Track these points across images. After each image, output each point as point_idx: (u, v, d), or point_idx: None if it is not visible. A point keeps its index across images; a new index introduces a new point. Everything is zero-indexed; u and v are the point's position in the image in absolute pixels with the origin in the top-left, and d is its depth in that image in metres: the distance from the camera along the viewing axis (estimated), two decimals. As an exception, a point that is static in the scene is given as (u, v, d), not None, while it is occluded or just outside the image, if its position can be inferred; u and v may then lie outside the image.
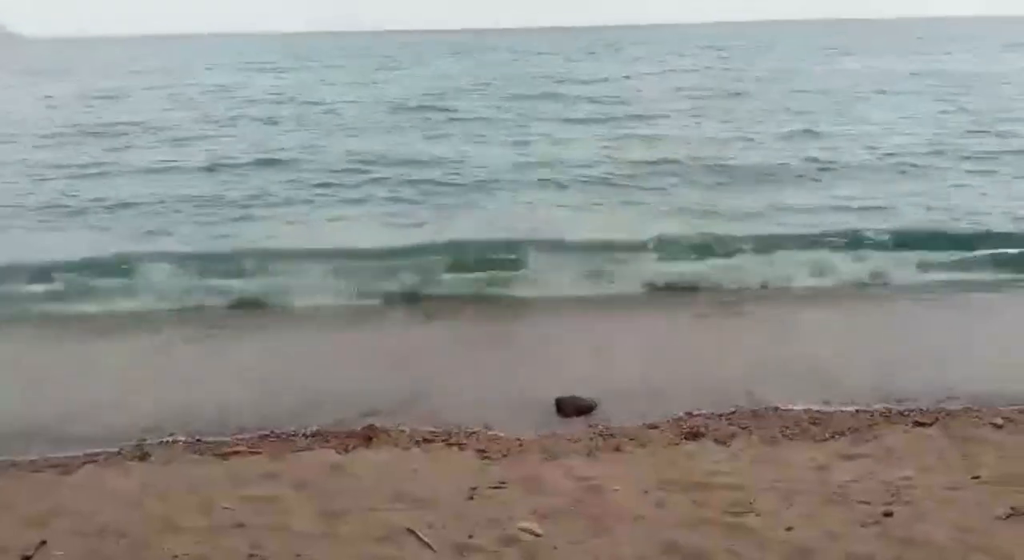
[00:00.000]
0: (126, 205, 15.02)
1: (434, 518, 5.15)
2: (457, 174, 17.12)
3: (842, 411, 6.98)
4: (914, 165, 17.27)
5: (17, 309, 10.16)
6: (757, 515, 5.07)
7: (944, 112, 24.92)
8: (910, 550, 4.66)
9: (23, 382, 8.06)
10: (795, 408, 7.05)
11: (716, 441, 6.32)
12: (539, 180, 16.40)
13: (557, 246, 11.52)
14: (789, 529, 4.89)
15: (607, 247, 11.52)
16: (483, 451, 6.27)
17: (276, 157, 19.11)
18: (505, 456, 6.16)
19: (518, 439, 6.52)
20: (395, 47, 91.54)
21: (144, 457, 6.30)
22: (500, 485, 5.62)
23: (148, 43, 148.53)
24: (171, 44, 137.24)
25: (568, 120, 24.79)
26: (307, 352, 8.85)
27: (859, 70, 41.48)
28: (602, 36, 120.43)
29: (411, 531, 4.98)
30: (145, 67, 57.34)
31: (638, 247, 11.53)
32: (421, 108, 28.44)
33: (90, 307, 10.24)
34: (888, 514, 5.04)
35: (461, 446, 6.40)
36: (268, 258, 11.44)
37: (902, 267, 11.09)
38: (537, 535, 4.88)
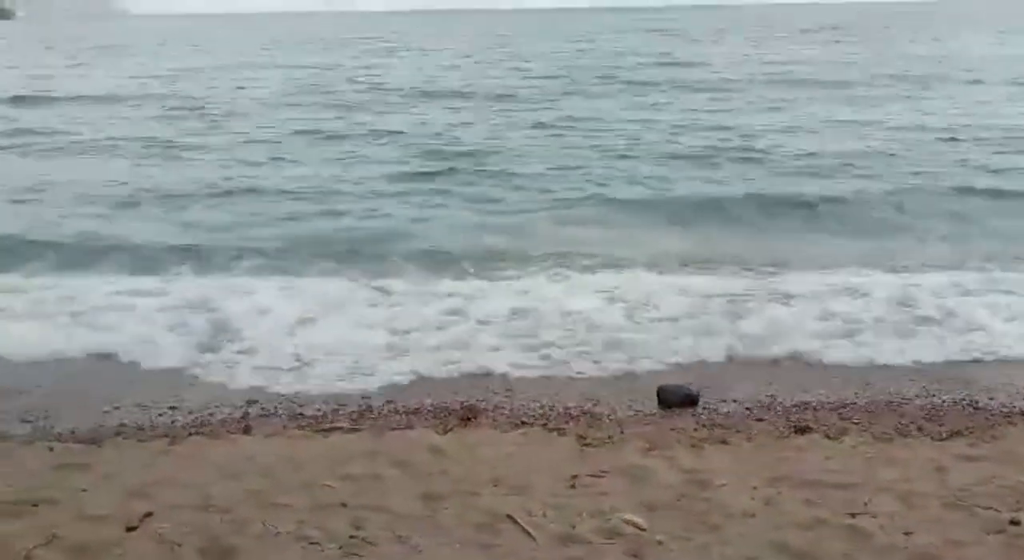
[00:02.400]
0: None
1: (534, 505, 5.04)
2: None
3: (959, 408, 6.69)
4: None
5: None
6: (873, 517, 4.83)
7: None
8: (1041, 563, 4.38)
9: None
10: (909, 403, 6.77)
11: (827, 436, 6.07)
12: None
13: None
14: (908, 534, 4.64)
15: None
16: (583, 437, 6.13)
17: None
18: (605, 444, 6.02)
19: (619, 426, 6.38)
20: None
21: (247, 430, 6.35)
22: (602, 474, 5.48)
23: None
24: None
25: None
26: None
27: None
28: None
29: (511, 518, 4.88)
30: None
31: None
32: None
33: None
34: (1015, 522, 4.74)
35: (560, 431, 6.28)
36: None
37: None
38: (642, 529, 4.73)
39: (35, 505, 5.04)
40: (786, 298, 9.11)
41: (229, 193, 14.83)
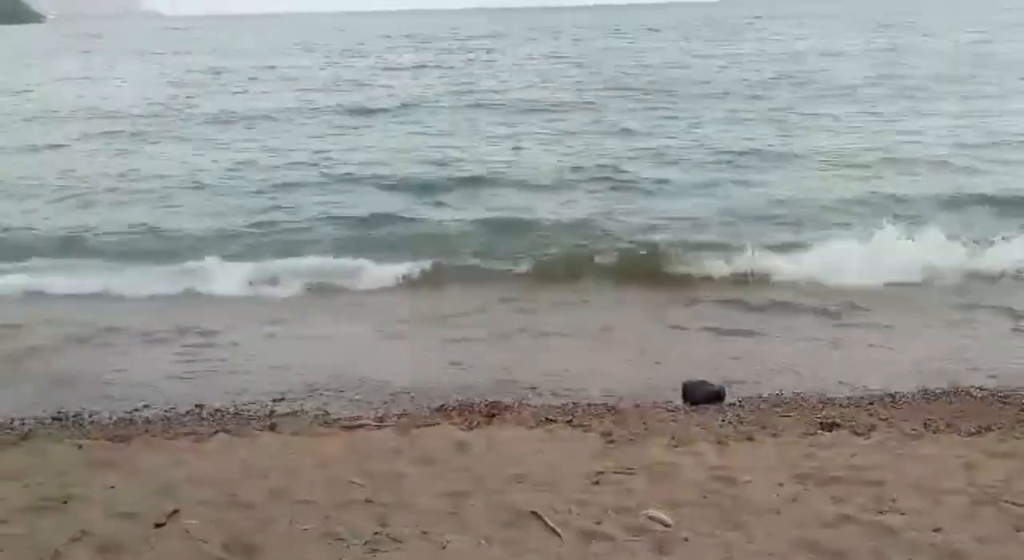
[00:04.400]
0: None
1: (559, 502, 5.03)
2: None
3: (988, 403, 6.61)
4: None
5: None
6: (901, 514, 4.78)
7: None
8: (1071, 560, 4.32)
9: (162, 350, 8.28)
10: (937, 398, 6.71)
11: (854, 432, 6.02)
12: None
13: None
14: (937, 530, 4.60)
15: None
16: (608, 434, 6.11)
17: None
18: (631, 441, 5.99)
19: (644, 423, 6.35)
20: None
21: (273, 427, 6.37)
22: (627, 471, 5.46)
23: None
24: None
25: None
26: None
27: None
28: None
29: (536, 515, 4.88)
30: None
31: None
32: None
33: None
34: (1046, 519, 4.70)
35: (585, 428, 6.26)
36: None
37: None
38: (667, 525, 4.71)
39: (65, 502, 5.09)
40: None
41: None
